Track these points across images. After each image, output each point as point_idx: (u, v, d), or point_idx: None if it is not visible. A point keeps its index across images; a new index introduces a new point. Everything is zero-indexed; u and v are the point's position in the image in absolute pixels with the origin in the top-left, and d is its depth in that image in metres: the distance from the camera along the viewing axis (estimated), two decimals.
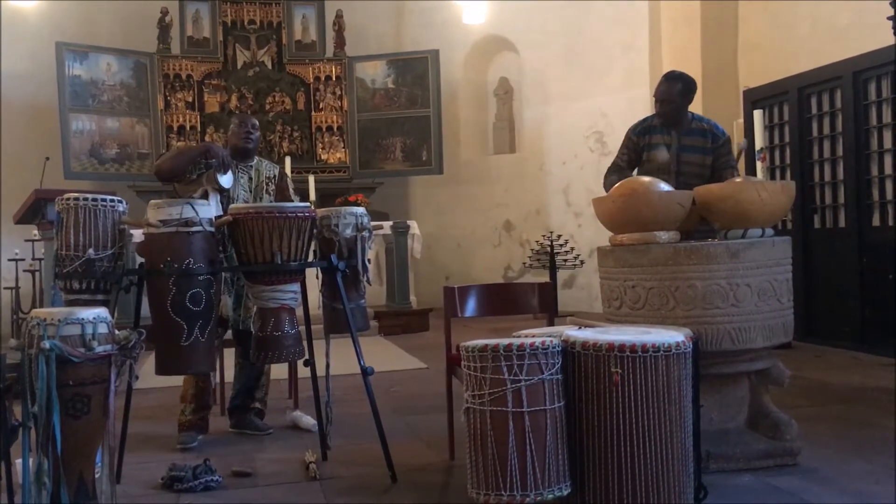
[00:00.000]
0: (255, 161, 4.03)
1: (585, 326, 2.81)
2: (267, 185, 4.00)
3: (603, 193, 3.42)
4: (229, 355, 4.22)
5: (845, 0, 6.20)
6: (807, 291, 6.15)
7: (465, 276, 10.11)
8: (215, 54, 9.71)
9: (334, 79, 9.91)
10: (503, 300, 3.74)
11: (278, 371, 4.43)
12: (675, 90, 3.99)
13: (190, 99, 9.54)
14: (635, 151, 4.10)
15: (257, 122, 4.08)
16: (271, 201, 3.94)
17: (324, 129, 9.92)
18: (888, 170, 5.66)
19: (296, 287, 3.30)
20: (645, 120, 4.17)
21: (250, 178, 3.96)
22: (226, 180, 3.57)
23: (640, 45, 8.74)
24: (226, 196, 3.75)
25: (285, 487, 3.13)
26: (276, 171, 4.09)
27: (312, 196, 7.93)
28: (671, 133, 4.02)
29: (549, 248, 9.21)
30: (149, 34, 9.52)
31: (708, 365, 2.97)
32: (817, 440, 3.41)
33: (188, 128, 9.40)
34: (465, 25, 10.43)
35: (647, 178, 3.25)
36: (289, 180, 4.15)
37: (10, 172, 8.49)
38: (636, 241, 3.09)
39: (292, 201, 4.02)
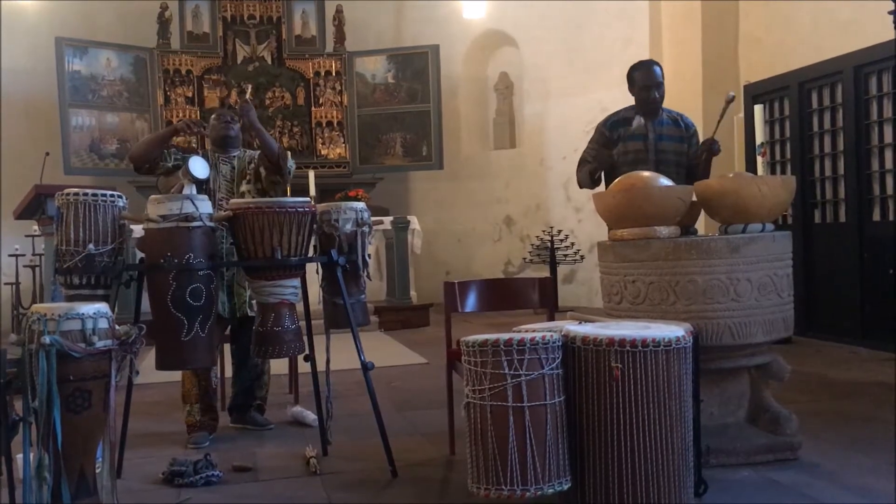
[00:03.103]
0: (239, 152, 4.03)
1: (585, 321, 2.80)
2: (248, 167, 3.96)
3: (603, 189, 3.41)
4: (227, 350, 4.22)
5: None
6: (807, 286, 6.15)
7: (465, 272, 10.12)
8: (215, 49, 9.70)
9: (334, 74, 9.90)
10: (503, 295, 3.75)
11: (278, 366, 4.43)
12: (659, 74, 3.98)
13: (190, 94, 9.53)
14: (605, 146, 4.04)
15: (236, 116, 4.07)
16: (249, 180, 3.91)
17: (324, 125, 9.91)
18: (889, 165, 5.65)
19: (296, 282, 3.29)
20: (616, 113, 4.13)
21: (232, 168, 3.95)
22: (198, 170, 3.47)
23: (641, 40, 8.73)
24: (205, 187, 3.70)
25: (286, 482, 3.13)
26: (257, 154, 4.03)
27: (312, 191, 7.92)
28: (646, 123, 4.01)
29: (549, 244, 9.21)
30: (148, 29, 9.51)
31: (708, 360, 2.97)
32: (817, 435, 3.42)
33: None
34: (465, 20, 10.42)
35: (646, 173, 3.25)
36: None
37: (9, 168, 8.50)
38: (636, 236, 3.09)
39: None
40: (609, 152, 3.97)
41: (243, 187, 3.92)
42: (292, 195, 6.95)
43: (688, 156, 4.02)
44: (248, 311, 3.81)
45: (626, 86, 4.08)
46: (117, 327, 2.40)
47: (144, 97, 9.40)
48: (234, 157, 3.98)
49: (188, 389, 3.82)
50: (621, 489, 2.38)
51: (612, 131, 4.03)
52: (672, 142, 3.98)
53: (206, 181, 3.68)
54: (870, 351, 5.53)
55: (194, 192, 3.33)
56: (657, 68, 4.00)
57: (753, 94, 6.81)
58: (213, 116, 4.10)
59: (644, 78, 3.98)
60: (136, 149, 3.83)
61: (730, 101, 3.67)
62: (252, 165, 3.96)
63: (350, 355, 3.35)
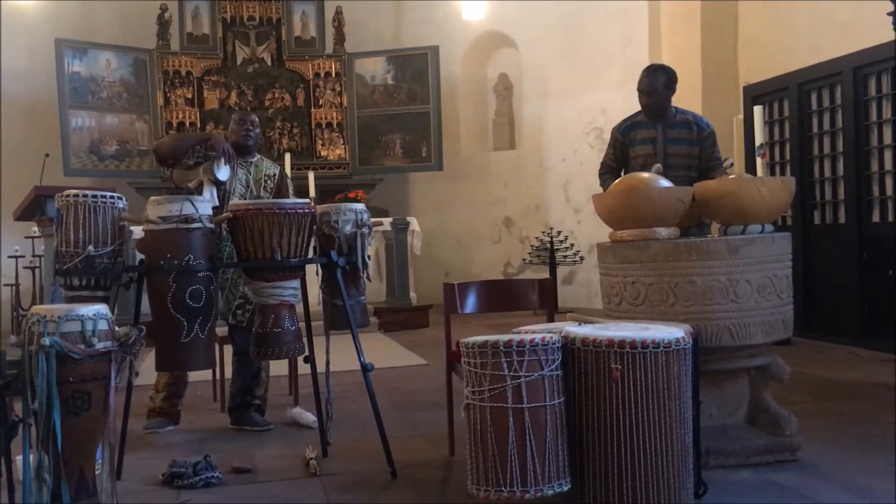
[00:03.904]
0: (256, 158, 4.06)
1: (585, 322, 2.81)
2: (265, 182, 4.01)
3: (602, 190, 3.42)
4: (227, 350, 4.22)
5: None
6: (806, 287, 6.15)
7: (464, 273, 10.12)
8: (215, 51, 9.71)
9: (334, 75, 9.90)
10: (503, 296, 3.75)
11: (278, 368, 4.43)
12: (658, 81, 4.02)
13: (189, 95, 9.54)
14: (622, 150, 4.13)
15: (257, 119, 4.11)
16: (268, 198, 3.94)
17: (323, 126, 9.91)
18: (888, 166, 5.65)
19: (296, 283, 3.29)
20: (629, 118, 4.19)
21: (248, 173, 3.98)
22: (222, 173, 3.57)
23: (640, 41, 8.74)
24: (222, 189, 3.76)
25: (285, 483, 3.13)
26: (277, 171, 4.11)
27: (312, 192, 7.93)
28: (656, 127, 4.04)
29: (548, 245, 9.21)
30: (148, 31, 9.51)
31: (707, 361, 2.97)
32: (817, 436, 3.42)
33: (188, 124, 9.40)
34: (464, 21, 10.42)
35: (646, 175, 3.25)
36: (289, 181, 4.19)
37: (9, 169, 8.49)
38: (636, 237, 3.09)
39: None
40: (612, 165, 4.09)
41: (262, 197, 3.95)
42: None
43: (700, 158, 4.04)
44: (232, 318, 3.85)
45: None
46: (117, 329, 2.40)
47: (144, 98, 9.40)
48: (251, 162, 4.02)
49: (159, 379, 3.91)
50: (621, 490, 2.38)
51: (624, 136, 4.12)
52: (682, 145, 4.02)
53: (225, 183, 3.72)
54: (869, 352, 5.53)
55: (214, 192, 3.38)
56: (658, 74, 4.03)
57: (753, 95, 6.81)
58: (234, 119, 4.12)
59: (641, 83, 4.05)
60: (166, 146, 3.85)
61: (728, 166, 3.74)
62: (272, 182, 4.02)
63: (350, 356, 3.34)
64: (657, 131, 4.03)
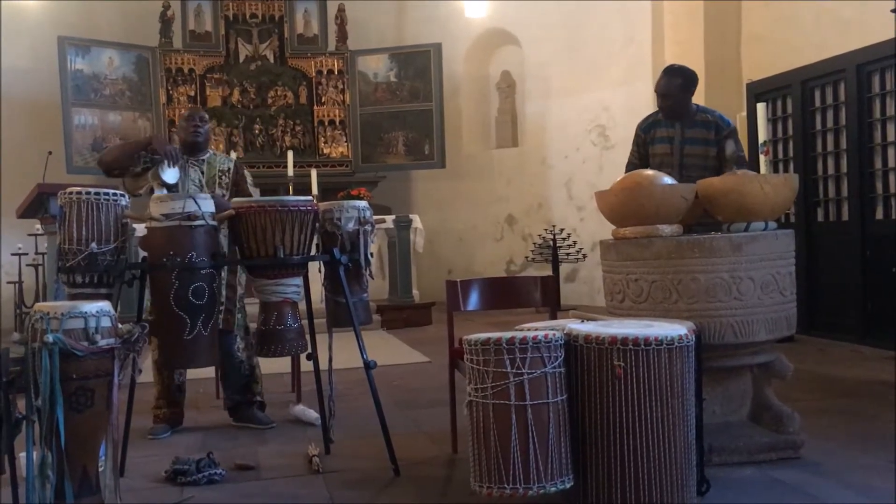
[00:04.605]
0: (209, 155, 4.02)
1: (588, 320, 2.80)
2: (220, 178, 3.97)
3: (605, 187, 3.42)
4: None
5: None
6: (810, 285, 6.14)
7: (467, 270, 10.12)
8: (217, 48, 9.71)
9: (336, 73, 9.90)
10: (505, 294, 3.75)
11: (281, 365, 4.44)
12: (674, 84, 4.01)
13: (192, 93, 9.54)
14: (644, 148, 4.15)
15: (206, 115, 4.08)
16: (224, 194, 3.91)
17: (326, 123, 9.92)
18: (891, 163, 5.64)
19: (298, 281, 3.30)
20: (650, 115, 4.21)
21: (202, 172, 3.94)
22: (168, 175, 3.51)
23: (643, 39, 8.72)
24: (174, 191, 3.71)
25: (288, 481, 3.14)
26: (231, 165, 4.07)
27: (315, 190, 7.93)
28: (675, 126, 4.04)
29: (551, 242, 9.21)
30: (150, 28, 9.52)
31: (710, 358, 2.97)
32: (820, 433, 3.41)
33: None
34: (467, 19, 10.42)
35: (650, 171, 3.25)
36: (246, 173, 4.14)
37: (12, 167, 8.49)
38: (639, 234, 3.08)
39: (250, 195, 4.00)
40: (636, 163, 4.11)
41: (217, 193, 3.89)
42: (295, 194, 6.97)
43: (718, 158, 4.04)
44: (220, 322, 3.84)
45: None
46: (120, 326, 2.41)
47: (147, 96, 9.41)
48: (203, 160, 3.98)
49: (155, 385, 3.93)
50: (624, 487, 2.38)
51: (646, 133, 4.13)
52: (698, 145, 4.02)
53: (175, 186, 3.69)
54: (872, 349, 5.52)
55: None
56: (676, 79, 4.04)
57: (756, 92, 6.80)
58: (182, 117, 4.10)
59: (659, 85, 4.07)
60: (108, 155, 3.80)
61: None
62: (227, 178, 3.98)
63: (352, 354, 3.35)
64: (675, 131, 4.04)
